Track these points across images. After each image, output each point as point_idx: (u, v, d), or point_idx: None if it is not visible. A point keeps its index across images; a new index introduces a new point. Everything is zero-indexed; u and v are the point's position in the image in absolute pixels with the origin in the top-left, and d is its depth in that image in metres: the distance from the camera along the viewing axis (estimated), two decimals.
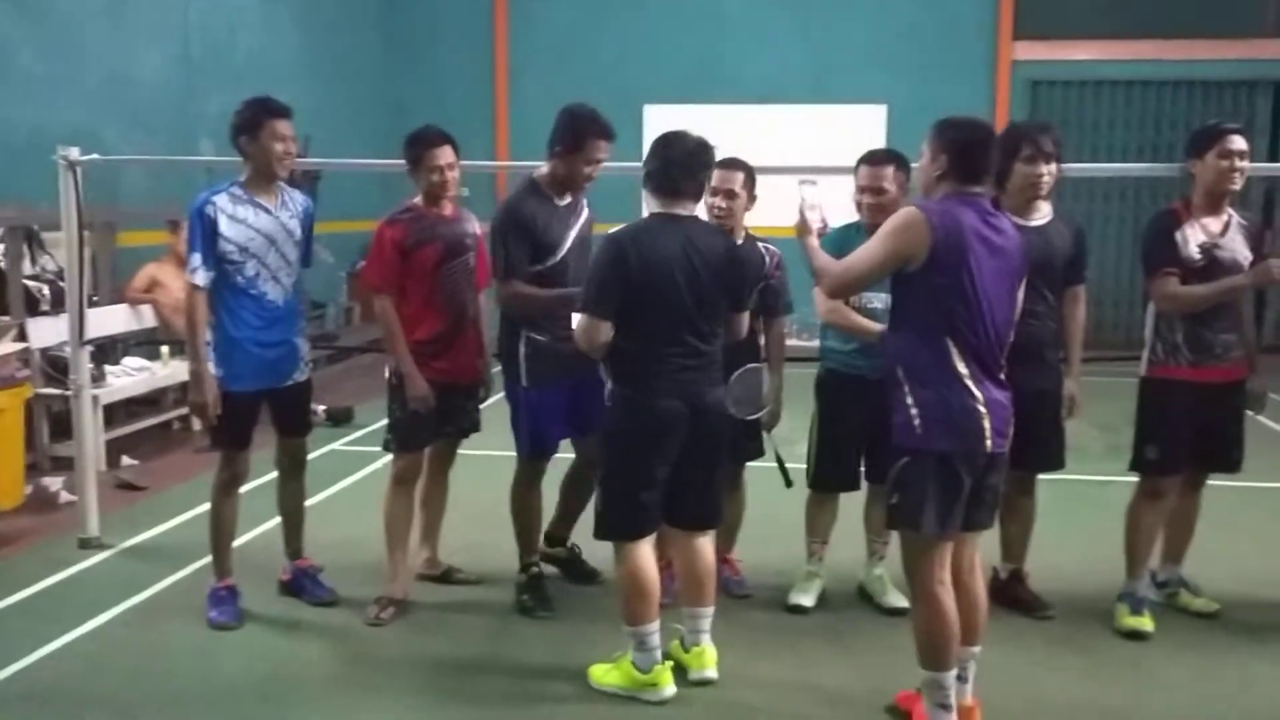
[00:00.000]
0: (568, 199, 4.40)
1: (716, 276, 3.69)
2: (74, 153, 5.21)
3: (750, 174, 4.40)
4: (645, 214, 3.74)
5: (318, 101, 11.05)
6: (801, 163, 5.74)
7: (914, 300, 3.30)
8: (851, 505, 4.67)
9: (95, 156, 5.38)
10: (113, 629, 4.39)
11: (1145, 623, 4.34)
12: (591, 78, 12.19)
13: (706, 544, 3.89)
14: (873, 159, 4.32)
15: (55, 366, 6.73)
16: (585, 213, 4.48)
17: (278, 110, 4.28)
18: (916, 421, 3.25)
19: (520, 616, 4.49)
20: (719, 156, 3.93)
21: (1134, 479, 4.50)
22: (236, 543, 4.60)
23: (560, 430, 4.50)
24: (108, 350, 7.43)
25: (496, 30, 13.37)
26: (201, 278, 4.19)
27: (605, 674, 3.86)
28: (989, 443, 3.25)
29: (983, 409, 3.23)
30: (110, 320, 7.51)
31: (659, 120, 12.46)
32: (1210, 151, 4.23)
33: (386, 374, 4.54)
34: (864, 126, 12.09)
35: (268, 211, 4.29)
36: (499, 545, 4.87)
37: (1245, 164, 4.24)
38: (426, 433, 4.54)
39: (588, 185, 4.40)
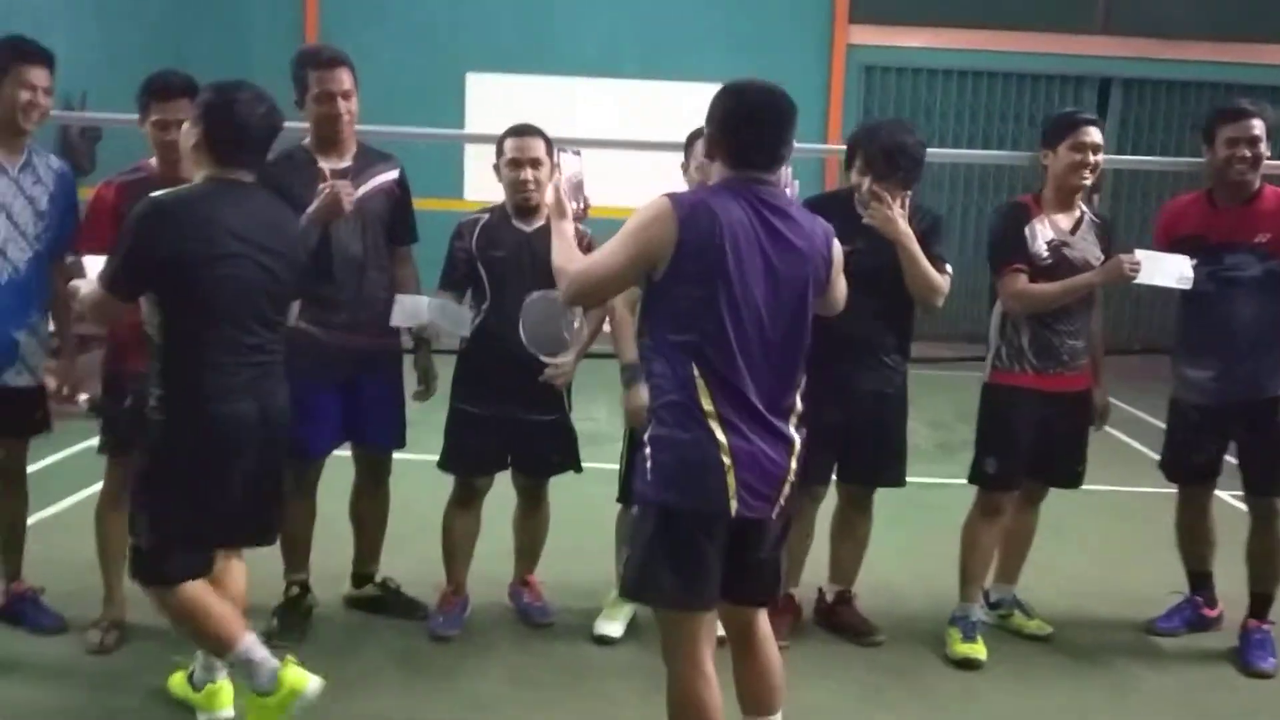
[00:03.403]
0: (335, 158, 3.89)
1: (285, 256, 3.18)
2: None
3: (549, 143, 3.97)
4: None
5: (97, 53, 9.98)
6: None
7: (660, 316, 2.70)
8: None
9: None
10: None
11: (978, 650, 4.04)
12: (411, 41, 11.28)
13: (239, 566, 3.32)
14: None
15: None
16: (379, 180, 3.95)
17: (32, 54, 3.73)
18: (648, 464, 2.67)
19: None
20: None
21: (965, 482, 4.20)
22: None
23: None
24: None
25: None
26: None
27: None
28: (734, 504, 2.61)
29: (727, 460, 2.59)
30: None
31: (483, 89, 11.82)
32: (1064, 143, 3.96)
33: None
34: (697, 105, 11.65)
35: (2, 171, 3.73)
36: None
37: (1099, 158, 3.98)
38: None
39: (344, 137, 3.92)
